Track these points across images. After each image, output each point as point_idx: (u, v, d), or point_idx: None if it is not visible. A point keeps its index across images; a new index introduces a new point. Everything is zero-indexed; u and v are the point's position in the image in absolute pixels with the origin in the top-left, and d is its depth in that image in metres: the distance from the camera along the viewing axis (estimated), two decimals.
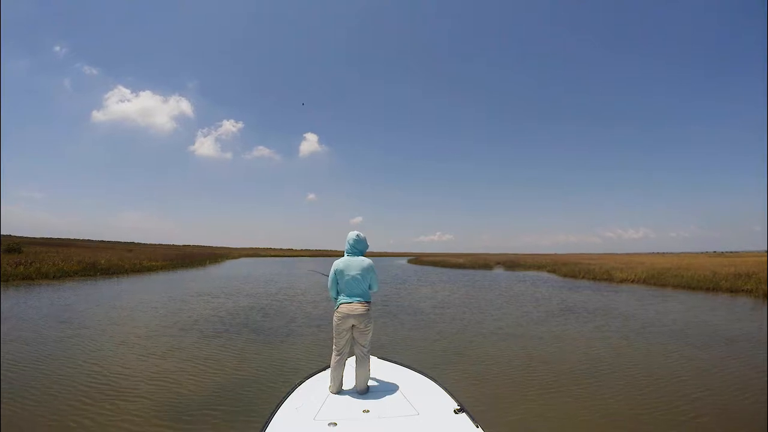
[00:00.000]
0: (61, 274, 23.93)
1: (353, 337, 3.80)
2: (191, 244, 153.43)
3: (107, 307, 13.50)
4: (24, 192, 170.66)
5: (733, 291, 20.20)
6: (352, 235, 3.99)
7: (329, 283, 3.91)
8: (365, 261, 3.92)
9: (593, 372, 6.97)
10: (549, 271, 38.51)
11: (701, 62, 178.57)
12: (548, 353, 8.21)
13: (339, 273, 3.83)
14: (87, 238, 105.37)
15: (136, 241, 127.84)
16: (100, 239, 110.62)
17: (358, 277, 3.82)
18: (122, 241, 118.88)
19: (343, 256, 4.00)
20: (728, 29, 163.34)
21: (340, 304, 3.78)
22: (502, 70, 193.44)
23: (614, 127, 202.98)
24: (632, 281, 26.21)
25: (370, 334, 3.84)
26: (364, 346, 3.78)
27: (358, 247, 3.98)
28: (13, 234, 75.60)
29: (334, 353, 3.74)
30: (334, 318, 3.80)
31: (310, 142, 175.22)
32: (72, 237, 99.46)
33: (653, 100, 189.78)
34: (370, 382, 3.80)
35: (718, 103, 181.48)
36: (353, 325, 3.77)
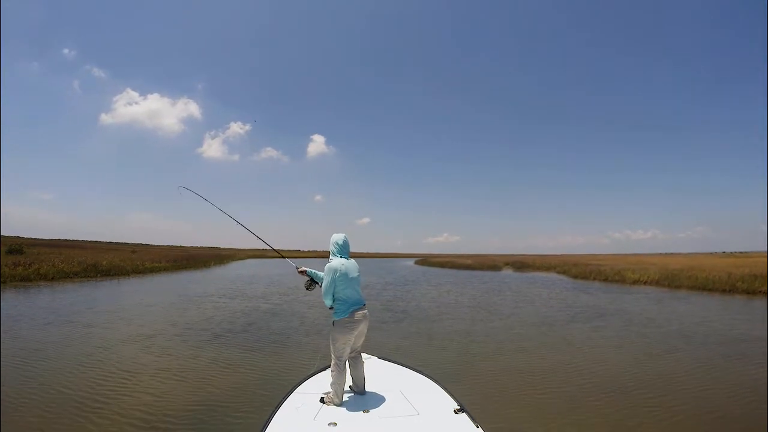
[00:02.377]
0: (60, 276, 23.67)
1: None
2: (199, 245, 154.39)
3: (97, 310, 13.20)
4: (32, 193, 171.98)
5: (750, 292, 19.54)
6: (341, 236, 3.75)
7: (325, 288, 3.56)
8: (356, 262, 3.77)
9: (611, 382, 6.47)
10: (559, 273, 37.83)
11: (710, 65, 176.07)
12: (562, 360, 7.77)
13: (342, 276, 3.55)
14: (95, 240, 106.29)
15: (144, 243, 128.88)
16: (108, 240, 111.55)
17: (359, 279, 3.71)
18: (130, 242, 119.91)
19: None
20: (735, 30, 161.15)
21: (354, 310, 3.56)
22: (512, 71, 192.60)
23: (622, 129, 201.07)
24: (645, 282, 25.49)
25: None
26: (359, 347, 3.71)
27: (347, 249, 3.78)
28: (21, 235, 75.98)
29: (336, 364, 3.50)
30: (345, 326, 3.53)
31: (317, 144, 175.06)
32: (80, 238, 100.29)
33: (660, 103, 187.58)
34: (370, 383, 3.71)
35: (726, 105, 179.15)
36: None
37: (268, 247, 4.61)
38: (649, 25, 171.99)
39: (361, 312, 3.59)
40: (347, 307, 3.53)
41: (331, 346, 3.55)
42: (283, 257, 4.29)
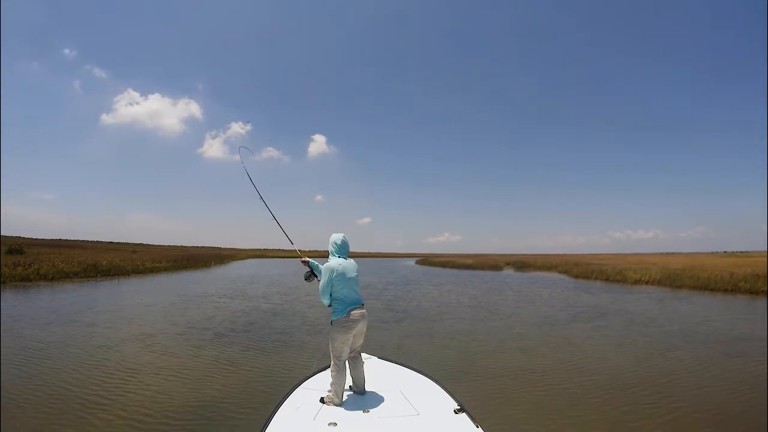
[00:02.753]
0: (60, 276, 23.61)
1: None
2: (200, 245, 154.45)
3: (97, 309, 13.18)
4: (32, 193, 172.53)
5: (752, 292, 19.41)
6: (339, 236, 3.76)
7: (322, 287, 3.58)
8: (354, 262, 3.77)
9: (612, 381, 6.43)
10: (560, 272, 37.74)
11: (710, 65, 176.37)
12: (563, 359, 7.72)
13: (339, 276, 3.56)
14: (96, 240, 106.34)
15: (145, 243, 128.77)
16: (109, 240, 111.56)
17: (357, 279, 3.71)
18: (131, 242, 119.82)
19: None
20: (736, 30, 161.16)
21: (352, 309, 3.55)
22: (512, 71, 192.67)
23: (622, 129, 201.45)
24: (647, 282, 25.39)
25: None
26: (358, 347, 3.69)
27: (346, 249, 3.78)
28: (22, 235, 75.99)
29: (336, 365, 3.50)
30: (342, 326, 3.53)
31: (318, 143, 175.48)
32: (81, 238, 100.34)
33: (660, 103, 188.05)
34: (370, 383, 3.70)
35: (726, 105, 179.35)
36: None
37: (286, 241, 4.68)
38: (649, 25, 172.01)
39: (358, 311, 3.58)
40: (345, 306, 3.54)
41: (330, 346, 3.56)
42: (300, 255, 4.29)
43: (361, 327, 3.63)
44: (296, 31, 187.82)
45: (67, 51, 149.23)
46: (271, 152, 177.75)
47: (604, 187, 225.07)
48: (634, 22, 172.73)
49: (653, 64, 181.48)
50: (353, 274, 3.66)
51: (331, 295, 3.57)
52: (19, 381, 6.09)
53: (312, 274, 3.95)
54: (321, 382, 3.77)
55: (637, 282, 25.82)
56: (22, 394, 5.57)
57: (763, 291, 19.20)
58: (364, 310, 3.64)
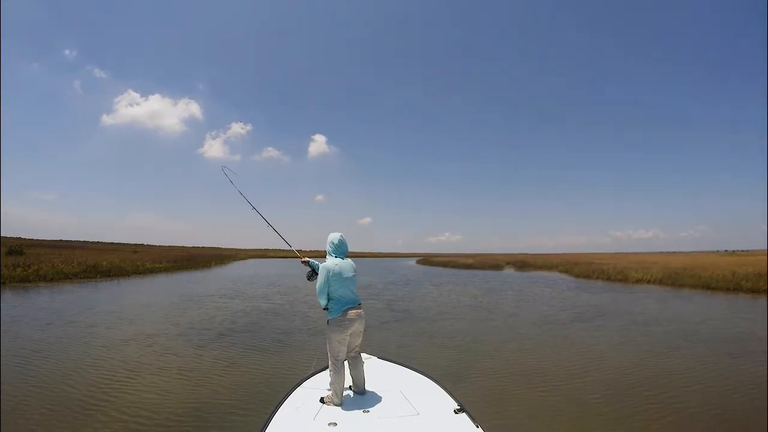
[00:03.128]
0: (60, 277, 23.58)
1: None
2: (200, 245, 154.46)
3: (97, 310, 13.17)
4: (33, 193, 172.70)
5: (755, 291, 19.33)
6: (337, 236, 3.74)
7: (319, 287, 3.56)
8: (352, 262, 3.75)
9: (612, 381, 6.39)
10: (561, 272, 37.68)
11: (711, 65, 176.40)
12: (563, 359, 7.67)
13: (336, 276, 3.56)
14: (97, 240, 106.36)
15: (145, 243, 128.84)
16: (110, 241, 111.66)
17: (354, 279, 3.70)
18: (131, 242, 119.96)
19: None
20: (736, 30, 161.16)
21: (347, 309, 3.54)
22: (512, 71, 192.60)
23: (623, 129, 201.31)
24: (648, 281, 25.32)
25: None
26: (357, 347, 3.66)
27: (343, 249, 3.76)
28: (23, 236, 75.94)
29: (334, 365, 3.49)
30: (338, 325, 3.52)
31: (318, 143, 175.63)
32: (82, 239, 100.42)
33: (661, 102, 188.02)
34: (370, 383, 3.68)
35: (726, 105, 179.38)
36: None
37: (285, 243, 4.68)
38: (649, 24, 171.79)
39: (355, 311, 3.56)
40: (341, 306, 3.52)
41: (328, 345, 3.55)
42: (298, 256, 4.30)
43: (358, 327, 3.61)
44: (296, 31, 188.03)
45: (67, 51, 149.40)
46: (271, 152, 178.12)
47: (604, 187, 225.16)
48: (633, 22, 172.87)
49: (653, 64, 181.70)
50: (350, 274, 3.64)
51: (328, 295, 3.55)
52: (19, 381, 6.08)
53: (314, 273, 3.94)
54: (321, 382, 3.76)
55: (638, 281, 25.76)
56: (23, 394, 5.56)
57: (764, 290, 19.12)
58: (360, 310, 3.62)
